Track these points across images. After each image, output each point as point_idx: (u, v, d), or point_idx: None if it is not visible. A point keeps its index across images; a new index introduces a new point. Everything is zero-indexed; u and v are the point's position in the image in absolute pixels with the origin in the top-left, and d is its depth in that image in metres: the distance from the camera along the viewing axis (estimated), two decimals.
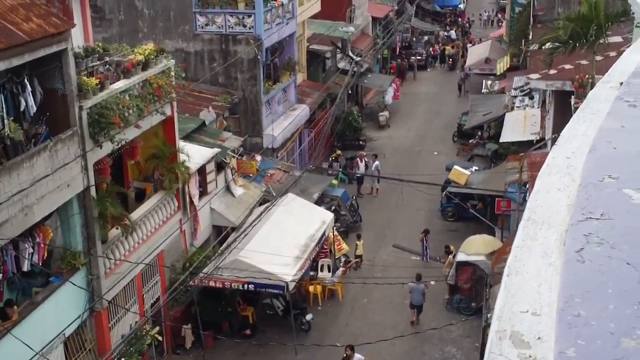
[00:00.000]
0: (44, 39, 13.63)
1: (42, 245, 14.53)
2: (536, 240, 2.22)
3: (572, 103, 20.24)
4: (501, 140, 30.70)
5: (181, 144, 20.57)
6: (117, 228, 17.01)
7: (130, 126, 16.66)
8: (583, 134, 2.77)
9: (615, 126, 2.85)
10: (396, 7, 54.27)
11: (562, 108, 23.57)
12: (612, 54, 23.86)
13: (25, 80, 13.79)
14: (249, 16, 28.15)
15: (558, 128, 23.51)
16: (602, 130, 2.80)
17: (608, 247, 2.25)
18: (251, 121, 29.06)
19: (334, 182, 31.17)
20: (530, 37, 37.10)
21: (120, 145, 16.37)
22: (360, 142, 38.14)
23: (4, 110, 13.19)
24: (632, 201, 2.37)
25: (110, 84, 16.41)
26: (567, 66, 25.02)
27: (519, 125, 30.08)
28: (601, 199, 2.35)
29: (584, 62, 24.05)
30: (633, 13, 8.00)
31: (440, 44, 60.29)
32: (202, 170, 21.82)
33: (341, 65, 38.67)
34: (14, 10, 13.64)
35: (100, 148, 15.80)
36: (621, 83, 3.29)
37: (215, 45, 28.64)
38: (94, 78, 15.75)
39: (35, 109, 14.10)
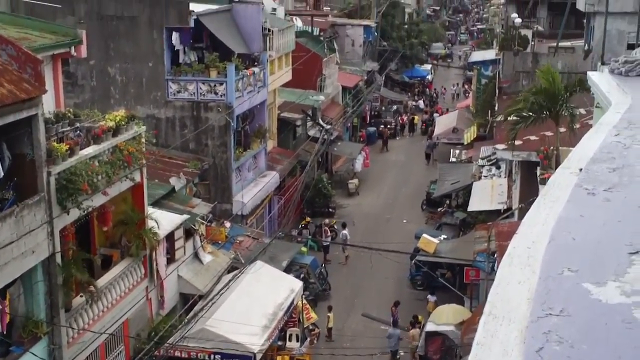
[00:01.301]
0: (14, 104, 13.61)
1: (4, 313, 14.23)
2: (496, 337, 2.21)
3: (538, 174, 20.58)
4: (469, 209, 31.02)
5: (150, 210, 20.46)
6: (81, 296, 16.74)
7: (97, 193, 16.58)
8: (543, 223, 2.81)
9: (574, 215, 2.90)
10: (366, 77, 55.18)
11: (529, 178, 23.95)
12: (576, 125, 24.45)
13: None
14: (221, 84, 28.42)
15: (525, 198, 23.87)
16: (562, 219, 2.84)
17: (567, 346, 2.24)
18: (221, 187, 29.06)
19: (304, 249, 31.10)
20: (496, 108, 37.87)
21: (87, 211, 16.24)
22: (330, 210, 38.25)
23: None
24: (591, 296, 2.38)
25: (80, 149, 16.37)
26: (533, 137, 25.52)
27: (487, 194, 30.45)
28: (560, 293, 2.36)
29: (548, 133, 24.56)
30: (592, 94, 8.26)
31: (409, 114, 61.23)
32: (170, 237, 21.65)
33: (311, 132, 39.05)
34: None
35: (68, 214, 15.66)
36: (580, 169, 3.37)
37: (187, 112, 28.80)
38: (63, 144, 15.71)
39: (2, 174, 13.98)
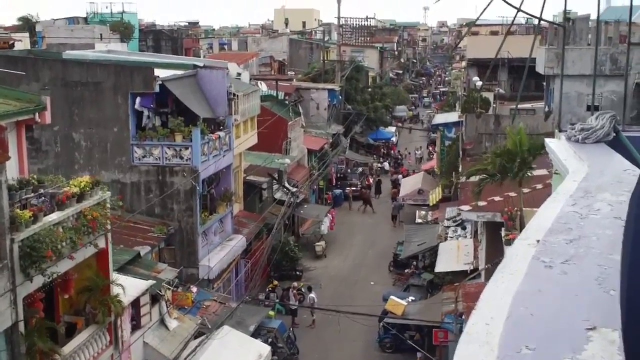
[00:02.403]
0: None
1: None
2: None
3: (503, 235, 20.82)
4: (436, 270, 31.12)
5: (115, 275, 20.21)
6: None
7: (63, 259, 16.38)
8: (501, 297, 2.86)
9: (532, 289, 2.95)
10: (331, 140, 55.69)
11: (494, 238, 24.17)
12: (539, 186, 24.85)
13: None
14: (187, 148, 28.49)
15: (491, 258, 24.06)
16: (519, 294, 2.88)
17: None
18: (187, 252, 28.86)
19: (271, 313, 30.83)
20: (460, 169, 38.38)
21: (52, 278, 16.02)
22: (297, 272, 38.10)
23: None
24: None
25: (44, 216, 16.23)
26: (497, 198, 25.86)
27: (453, 255, 30.63)
28: None
29: (512, 194, 24.92)
30: (550, 161, 8.46)
31: (374, 175, 61.72)
32: (136, 303, 21.35)
33: (277, 195, 39.12)
34: None
35: (31, 282, 15.42)
36: (538, 240, 3.45)
37: (152, 177, 28.75)
38: (27, 210, 15.57)
39: None
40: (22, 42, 44.06)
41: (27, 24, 57.87)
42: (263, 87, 47.12)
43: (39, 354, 15.93)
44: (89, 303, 19.10)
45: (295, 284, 35.48)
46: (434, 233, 35.68)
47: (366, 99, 68.45)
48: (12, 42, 40.56)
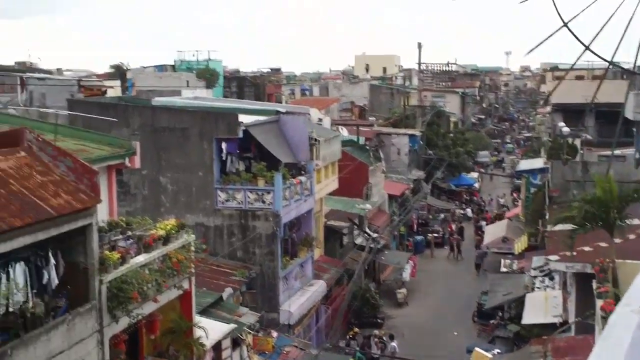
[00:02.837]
0: (70, 214, 13.87)
1: None
2: None
3: (594, 287, 20.01)
4: (523, 322, 30.10)
5: (198, 318, 20.33)
6: None
7: (148, 301, 16.57)
8: None
9: None
10: (412, 185, 55.30)
11: (585, 291, 23.25)
12: (632, 236, 23.90)
13: (50, 254, 13.89)
14: (269, 193, 28.71)
15: (581, 311, 23.14)
16: None
17: None
18: (268, 296, 28.87)
19: None
20: (547, 217, 37.37)
21: (137, 320, 16.21)
22: (378, 320, 37.59)
23: (28, 284, 13.21)
24: None
25: (131, 258, 16.50)
26: (587, 248, 24.96)
27: (541, 306, 29.61)
28: None
29: (603, 244, 24.01)
30: None
31: (456, 222, 60.83)
32: (217, 346, 21.43)
33: (358, 241, 38.93)
34: (43, 187, 13.98)
35: (117, 323, 15.63)
36: None
37: (235, 220, 29.05)
38: (115, 252, 15.86)
39: (57, 282, 14.11)
40: (114, 89, 45.63)
41: (119, 72, 59.93)
42: (344, 132, 47.34)
43: None
44: (172, 345, 19.23)
45: (376, 332, 34.93)
46: (520, 283, 34.67)
47: (448, 145, 67.93)
48: (104, 89, 42.03)
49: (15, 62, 55.97)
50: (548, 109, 69.33)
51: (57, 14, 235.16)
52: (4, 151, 14.47)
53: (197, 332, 19.66)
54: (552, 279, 31.78)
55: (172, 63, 68.74)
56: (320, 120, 42.02)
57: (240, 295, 27.72)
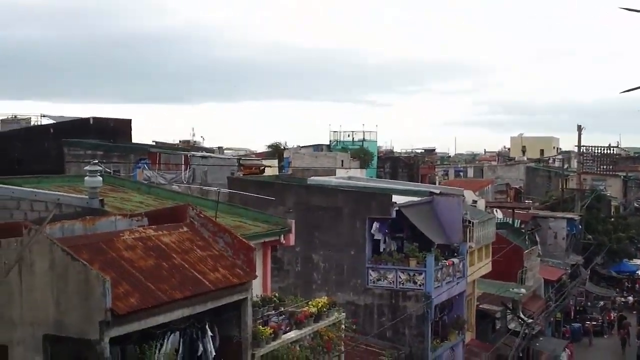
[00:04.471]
0: (227, 288, 14.43)
1: None
2: None
3: None
4: None
5: None
6: None
7: None
8: None
9: None
10: (569, 271, 53.14)
11: None
12: None
13: (206, 327, 14.44)
14: (420, 274, 28.56)
15: None
16: None
17: None
18: None
19: None
20: None
21: None
22: None
23: (186, 356, 13.74)
24: None
25: (283, 333, 16.84)
26: None
27: None
28: None
29: None
30: None
31: (617, 311, 57.55)
32: None
33: (512, 326, 37.75)
34: (203, 261, 14.67)
35: None
36: None
37: (385, 300, 29.02)
38: (268, 327, 16.26)
39: (213, 354, 14.59)
40: (271, 168, 47.37)
41: (276, 151, 62.22)
42: (499, 214, 46.52)
43: None
44: None
45: None
46: None
47: (608, 229, 64.90)
48: (262, 167, 43.73)
49: (180, 141, 59.37)
50: None
51: (224, 102, 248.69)
52: (169, 226, 15.36)
53: None
54: None
55: (328, 143, 70.54)
56: (474, 202, 41.54)
57: None
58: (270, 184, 32.09)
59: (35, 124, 48.19)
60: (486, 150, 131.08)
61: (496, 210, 47.14)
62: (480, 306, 36.08)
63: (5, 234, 12.50)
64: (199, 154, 39.66)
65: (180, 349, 13.75)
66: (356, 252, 29.30)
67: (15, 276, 12.12)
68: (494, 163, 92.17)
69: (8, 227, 13.19)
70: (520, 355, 38.69)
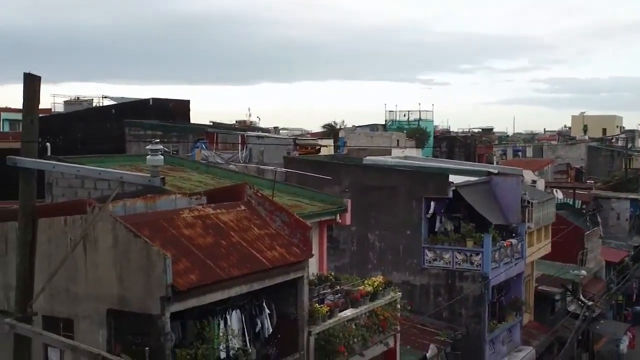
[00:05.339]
0: (284, 267, 14.63)
1: None
2: None
3: None
4: None
5: None
6: None
7: (354, 355, 16.93)
8: None
9: None
10: (632, 253, 52.08)
11: None
12: None
13: (264, 304, 14.69)
14: (477, 254, 28.38)
15: None
16: None
17: None
18: (473, 359, 28.27)
19: None
20: None
21: None
22: None
23: (245, 332, 14.02)
24: None
25: (339, 312, 17.00)
26: None
27: None
28: None
29: None
30: None
31: None
32: None
33: (571, 308, 37.24)
34: (260, 239, 14.89)
35: None
36: None
37: (442, 280, 28.95)
38: (324, 305, 16.45)
39: (270, 331, 14.84)
40: (327, 148, 47.47)
41: (332, 131, 62.25)
42: (559, 195, 45.78)
43: None
44: None
45: None
46: None
47: None
48: (318, 147, 43.86)
49: (237, 121, 59.85)
50: None
51: (279, 82, 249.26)
52: (227, 205, 15.62)
53: None
54: None
55: (383, 123, 70.25)
56: (533, 182, 41.01)
57: (445, 356, 27.40)
58: (326, 164, 32.23)
59: (98, 105, 49.18)
60: (546, 129, 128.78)
61: (556, 191, 46.37)
62: (539, 288, 35.70)
63: (70, 212, 12.91)
64: (255, 134, 40.00)
65: (239, 325, 14.03)
66: (412, 232, 29.26)
67: (80, 252, 12.52)
68: (554, 142, 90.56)
69: (73, 205, 13.61)
70: (580, 338, 38.20)
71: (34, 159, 8.93)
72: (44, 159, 10.33)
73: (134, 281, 12.08)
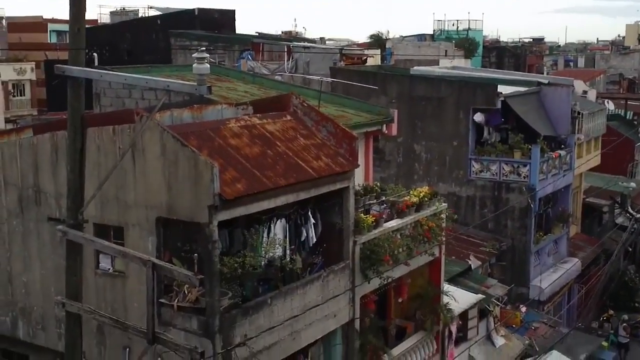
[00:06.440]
0: (330, 176, 14.67)
1: None
2: None
3: None
4: None
5: (445, 286, 20.57)
6: None
7: (398, 264, 17.09)
8: None
9: None
10: None
11: None
12: None
13: (309, 213, 14.82)
14: (524, 166, 28.11)
15: None
16: None
17: None
18: (518, 270, 28.39)
19: (604, 344, 29.07)
20: None
21: (387, 282, 16.79)
22: (636, 304, 35.46)
23: (288, 241, 14.21)
24: None
25: (385, 222, 17.08)
26: None
27: None
28: None
29: None
30: None
31: None
32: (464, 315, 21.57)
33: (619, 221, 36.92)
34: (306, 149, 14.90)
35: (368, 283, 16.31)
36: None
37: (488, 192, 28.83)
38: (370, 216, 16.52)
39: (315, 240, 15.02)
40: (373, 59, 46.82)
41: (378, 41, 61.23)
42: (610, 106, 44.76)
43: (370, 352, 16.76)
44: (419, 310, 19.65)
45: (625, 316, 32.74)
46: None
47: None
48: (364, 58, 43.28)
49: (282, 32, 59.20)
50: None
51: None
52: (273, 115, 15.60)
53: (445, 299, 19.94)
54: None
55: (431, 33, 68.85)
56: (584, 92, 40.06)
57: (489, 267, 27.57)
58: (373, 74, 31.87)
59: (143, 15, 49.03)
60: (599, 39, 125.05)
61: (607, 102, 45.31)
62: (587, 200, 35.38)
63: (118, 121, 13.03)
64: (301, 44, 39.60)
65: (285, 233, 14.21)
66: (459, 143, 29.03)
67: (129, 161, 12.69)
68: (606, 52, 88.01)
69: (121, 115, 13.73)
70: (628, 250, 37.97)
71: (81, 68, 8.96)
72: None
73: (182, 190, 12.24)
